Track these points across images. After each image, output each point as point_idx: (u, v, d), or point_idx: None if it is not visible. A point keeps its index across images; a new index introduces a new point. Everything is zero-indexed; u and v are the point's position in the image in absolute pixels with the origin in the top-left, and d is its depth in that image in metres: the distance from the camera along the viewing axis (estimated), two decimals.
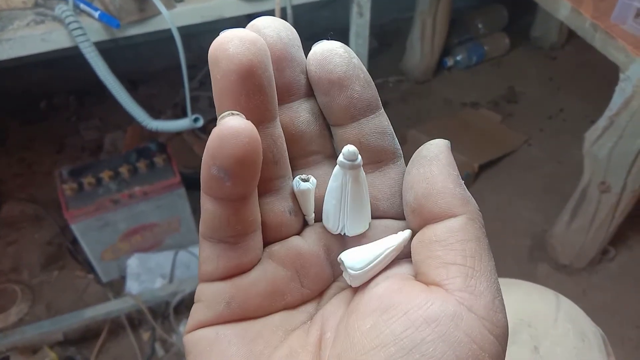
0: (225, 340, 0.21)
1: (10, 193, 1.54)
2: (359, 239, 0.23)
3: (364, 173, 0.22)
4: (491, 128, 1.70)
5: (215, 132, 0.18)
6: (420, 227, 0.21)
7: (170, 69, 1.60)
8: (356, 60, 0.21)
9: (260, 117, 0.20)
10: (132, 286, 1.26)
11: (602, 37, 1.00)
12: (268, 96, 0.20)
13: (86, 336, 1.19)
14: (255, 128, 0.18)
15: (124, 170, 1.21)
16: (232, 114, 0.19)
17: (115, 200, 1.17)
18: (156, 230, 1.29)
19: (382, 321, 0.19)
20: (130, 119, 0.88)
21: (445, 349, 0.17)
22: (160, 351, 1.18)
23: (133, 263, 1.29)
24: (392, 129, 0.23)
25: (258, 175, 0.20)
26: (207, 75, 1.79)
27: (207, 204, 0.20)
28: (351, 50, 0.22)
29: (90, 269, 1.31)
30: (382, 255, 0.22)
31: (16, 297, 1.25)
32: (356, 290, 0.22)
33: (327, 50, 0.21)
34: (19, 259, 1.37)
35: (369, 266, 0.22)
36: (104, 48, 0.76)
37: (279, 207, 0.22)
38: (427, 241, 0.20)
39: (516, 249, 1.40)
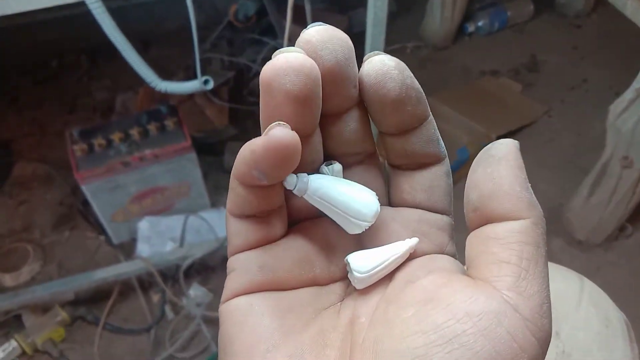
0: (259, 312, 0.21)
1: (22, 153, 1.54)
2: (377, 234, 0.23)
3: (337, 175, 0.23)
4: (511, 98, 1.66)
5: (263, 140, 0.19)
6: (481, 225, 0.21)
7: (184, 30, 1.56)
8: (409, 80, 0.21)
9: (306, 131, 0.21)
10: (143, 249, 1.26)
11: (635, 5, 0.95)
12: (316, 114, 0.20)
13: (97, 297, 1.20)
14: (299, 139, 0.19)
15: (134, 132, 1.19)
16: (280, 124, 0.19)
17: (125, 162, 1.16)
18: (166, 194, 1.28)
19: (424, 311, 0.19)
20: (142, 80, 0.86)
21: (485, 343, 0.17)
22: (170, 314, 1.19)
23: (144, 226, 1.29)
24: (439, 134, 0.23)
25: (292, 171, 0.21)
26: (220, 37, 1.75)
27: (237, 188, 0.21)
28: (404, 66, 0.21)
29: (101, 230, 1.31)
30: (388, 262, 0.22)
31: (28, 256, 1.26)
32: (389, 281, 0.22)
33: (381, 73, 0.21)
34: (31, 218, 1.38)
35: (373, 270, 0.22)
36: (115, 6, 0.73)
37: None
38: (484, 237, 0.20)
39: None
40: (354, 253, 0.23)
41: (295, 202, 0.23)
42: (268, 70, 0.19)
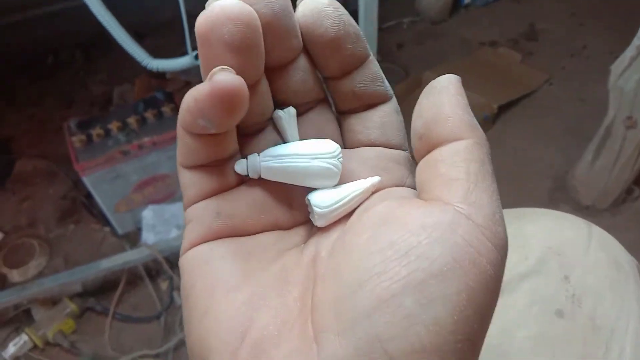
0: (218, 256, 0.21)
1: (23, 150, 1.54)
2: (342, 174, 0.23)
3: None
4: (510, 68, 1.64)
5: (207, 87, 0.18)
6: (428, 152, 0.21)
7: (177, 20, 1.55)
8: (345, 16, 0.21)
9: (250, 79, 0.20)
10: (148, 237, 1.26)
11: None
12: (259, 60, 0.20)
13: (105, 287, 1.20)
14: (245, 84, 0.18)
15: (132, 121, 1.19)
16: (223, 69, 0.18)
17: (124, 151, 1.15)
18: (168, 181, 1.27)
19: (380, 231, 0.19)
20: (138, 71, 0.86)
21: (441, 250, 0.18)
22: (178, 300, 1.19)
23: (148, 215, 1.28)
24: (382, 72, 0.23)
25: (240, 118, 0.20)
26: None
27: (185, 138, 0.21)
28: (339, 4, 0.21)
29: (105, 221, 1.31)
30: (349, 197, 0.22)
31: (34, 251, 1.26)
32: (350, 216, 0.22)
33: (316, 11, 0.21)
34: (35, 214, 1.38)
35: (334, 206, 0.22)
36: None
37: (264, 140, 0.23)
38: (432, 161, 0.20)
39: (536, 191, 1.36)
40: (315, 192, 0.23)
41: (250, 152, 0.23)
42: (203, 21, 0.18)
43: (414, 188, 0.23)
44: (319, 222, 0.22)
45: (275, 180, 0.22)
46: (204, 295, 0.20)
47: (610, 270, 0.39)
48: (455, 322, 0.17)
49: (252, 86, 0.21)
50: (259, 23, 0.19)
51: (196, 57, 0.75)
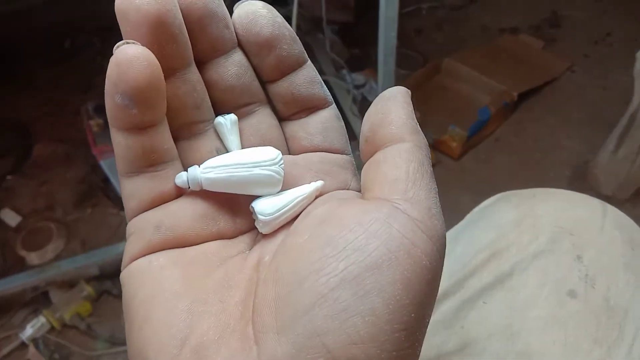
0: (157, 266, 0.21)
1: (41, 134, 1.55)
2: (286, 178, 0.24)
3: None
4: (532, 55, 1.60)
5: (113, 60, 0.19)
6: (372, 154, 0.22)
7: None
8: (280, 19, 0.22)
9: (176, 64, 0.21)
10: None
11: None
12: (181, 43, 0.20)
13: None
14: (151, 53, 0.19)
15: None
16: (127, 42, 0.19)
17: None
18: None
19: (319, 230, 0.20)
20: None
21: (377, 243, 0.18)
22: None
23: None
24: (320, 78, 0.24)
25: (164, 101, 0.20)
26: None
27: (118, 138, 0.21)
28: (273, 8, 0.22)
29: (122, 206, 1.31)
30: (293, 203, 0.22)
31: (52, 234, 1.27)
32: (294, 220, 0.23)
33: (251, 12, 0.22)
34: (53, 197, 1.39)
35: (278, 212, 0.22)
36: None
37: (205, 147, 0.23)
38: (375, 162, 0.21)
39: (555, 180, 1.34)
40: (259, 199, 0.23)
41: (192, 159, 0.23)
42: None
43: (358, 191, 0.24)
44: (263, 230, 0.22)
45: (217, 190, 0.22)
46: (143, 305, 0.20)
47: (625, 249, 0.38)
48: (392, 311, 0.17)
49: (179, 74, 0.21)
50: (175, 2, 0.20)
51: None
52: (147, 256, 0.21)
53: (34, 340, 1.12)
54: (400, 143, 0.21)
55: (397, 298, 0.18)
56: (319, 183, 0.23)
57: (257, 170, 0.22)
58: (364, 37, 1.67)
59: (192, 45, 0.21)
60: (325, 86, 0.24)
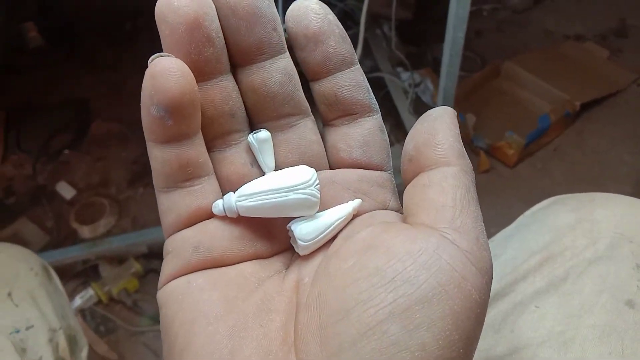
0: (197, 288, 0.21)
1: (99, 112, 1.59)
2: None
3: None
4: (596, 64, 1.54)
5: (148, 72, 0.19)
6: (415, 175, 0.21)
7: None
8: (331, 16, 0.22)
9: (212, 69, 0.21)
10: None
11: None
12: (217, 48, 0.21)
13: None
14: (186, 65, 0.19)
15: None
16: (161, 55, 0.19)
17: None
18: None
19: (364, 258, 0.19)
20: None
21: (427, 276, 0.18)
22: None
23: None
24: (368, 84, 0.23)
25: (199, 112, 0.20)
26: None
27: (154, 152, 0.21)
28: (327, 7, 0.22)
29: None
30: (332, 227, 0.22)
31: (104, 210, 1.31)
32: (332, 240, 0.22)
33: (303, 6, 0.22)
34: (107, 174, 1.42)
35: (318, 237, 0.22)
36: None
37: (239, 160, 0.23)
38: (420, 185, 0.21)
39: None
40: (297, 222, 0.22)
41: (231, 173, 0.23)
42: (158, 2, 0.20)
43: (397, 211, 0.24)
44: (302, 252, 0.22)
45: (254, 216, 0.22)
46: (183, 329, 0.20)
47: None
48: (441, 347, 0.17)
49: (215, 80, 0.21)
50: (212, 6, 0.20)
51: None
52: (185, 276, 0.21)
53: (82, 311, 1.16)
54: (447, 167, 0.20)
55: (447, 333, 0.17)
56: (357, 202, 0.23)
57: (292, 195, 0.21)
58: (422, 35, 1.64)
59: (237, 46, 0.21)
60: (372, 94, 0.24)
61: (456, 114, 0.22)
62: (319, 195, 0.22)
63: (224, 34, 0.21)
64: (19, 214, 1.34)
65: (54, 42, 1.75)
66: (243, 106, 0.23)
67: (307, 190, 0.22)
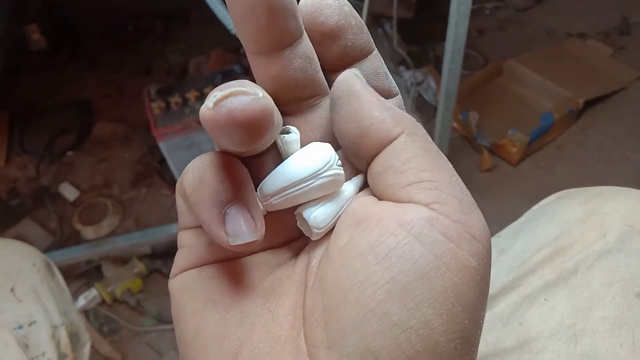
0: (208, 276, 0.21)
1: (102, 113, 1.59)
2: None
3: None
4: (599, 62, 1.54)
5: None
6: (368, 165, 0.20)
7: None
8: (347, 7, 0.21)
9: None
10: None
11: None
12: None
13: (172, 250, 1.23)
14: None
15: (209, 91, 1.19)
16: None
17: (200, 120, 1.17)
18: None
19: (357, 234, 0.18)
20: (214, 44, 0.86)
21: (422, 249, 0.17)
22: None
23: None
24: (386, 69, 0.23)
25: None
26: None
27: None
28: None
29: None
30: (343, 208, 0.21)
31: (107, 210, 1.31)
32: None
33: (317, 1, 0.20)
34: (110, 175, 1.43)
35: (332, 222, 0.21)
36: None
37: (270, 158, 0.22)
38: (376, 174, 0.19)
39: None
40: (307, 207, 0.21)
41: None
42: None
43: None
44: (315, 238, 0.22)
45: (279, 209, 0.21)
46: (194, 317, 0.20)
47: None
48: (445, 321, 0.17)
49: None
50: None
51: None
52: (197, 268, 0.21)
53: (85, 311, 1.16)
54: (392, 143, 0.19)
55: (449, 307, 0.17)
56: (360, 177, 0.22)
57: (317, 182, 0.20)
58: (423, 33, 1.64)
59: (258, 39, 0.19)
60: (390, 76, 0.23)
61: (358, 73, 0.20)
62: (343, 172, 0.21)
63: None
64: (23, 215, 1.34)
65: (57, 44, 1.75)
66: (320, 68, 0.22)
67: (330, 172, 0.20)
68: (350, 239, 0.19)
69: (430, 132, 1.16)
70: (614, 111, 1.44)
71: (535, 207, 0.48)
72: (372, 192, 0.21)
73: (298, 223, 0.22)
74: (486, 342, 0.38)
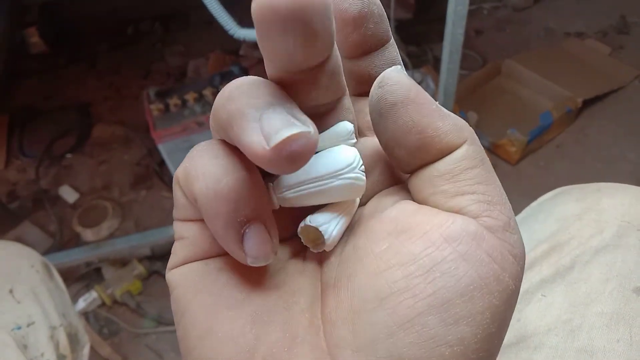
0: (215, 269, 0.20)
1: (101, 115, 1.59)
2: None
3: None
4: (598, 61, 1.54)
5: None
6: (418, 169, 0.19)
7: None
8: None
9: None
10: None
11: None
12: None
13: None
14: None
15: (208, 93, 1.20)
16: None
17: (200, 122, 1.17)
18: None
19: (399, 242, 0.18)
20: (213, 46, 0.85)
21: (467, 268, 0.17)
22: None
23: None
24: (400, 58, 0.22)
25: None
26: None
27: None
28: None
29: None
30: (350, 214, 0.21)
31: (107, 213, 1.31)
32: (356, 216, 0.22)
33: None
34: (110, 177, 1.43)
35: (342, 228, 0.21)
36: None
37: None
38: (428, 177, 0.19)
39: None
40: (315, 217, 0.21)
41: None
42: None
43: None
44: (329, 248, 0.21)
45: (294, 206, 0.20)
46: (203, 313, 0.19)
47: None
48: (479, 340, 0.17)
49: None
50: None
51: None
52: (202, 260, 0.20)
53: (85, 313, 1.16)
54: (453, 152, 0.18)
55: (485, 327, 0.17)
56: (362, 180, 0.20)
57: (336, 182, 0.19)
58: (422, 34, 1.65)
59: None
60: (404, 67, 0.21)
61: (406, 73, 0.19)
62: (364, 178, 0.20)
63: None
64: (23, 218, 1.34)
65: (56, 47, 1.76)
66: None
67: (352, 175, 0.19)
68: (391, 246, 0.18)
69: None
70: (613, 110, 1.44)
71: (533, 204, 0.48)
72: (412, 197, 0.20)
73: (299, 232, 0.21)
74: None
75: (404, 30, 1.64)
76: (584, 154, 1.35)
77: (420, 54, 1.60)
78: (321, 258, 0.21)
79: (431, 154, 0.18)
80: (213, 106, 0.18)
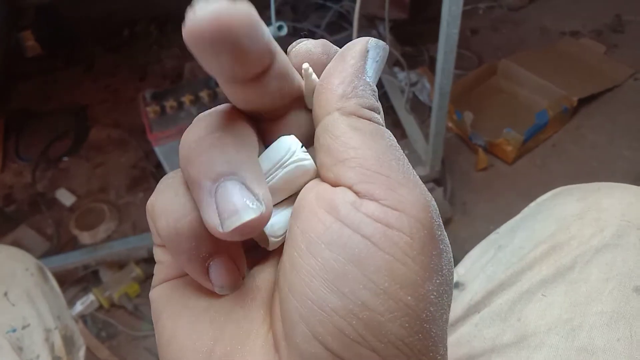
0: (183, 285, 0.21)
1: (97, 118, 1.59)
2: None
3: None
4: (593, 60, 1.54)
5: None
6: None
7: None
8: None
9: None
10: None
11: None
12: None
13: None
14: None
15: (204, 94, 1.20)
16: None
17: None
18: None
19: (293, 222, 0.19)
20: None
21: (350, 232, 0.17)
22: None
23: None
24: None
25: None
26: (284, 3, 1.74)
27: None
28: (328, 43, 0.22)
29: None
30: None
31: (104, 215, 1.31)
32: None
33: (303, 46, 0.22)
34: (107, 180, 1.43)
35: (284, 221, 0.21)
36: None
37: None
38: (316, 141, 0.20)
39: None
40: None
41: None
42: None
43: None
44: (272, 248, 0.21)
45: None
46: (170, 320, 0.20)
47: None
48: (384, 301, 0.16)
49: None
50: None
51: (279, 28, 0.74)
52: (182, 278, 0.21)
53: (83, 316, 1.15)
54: (323, 118, 0.19)
55: (386, 285, 0.16)
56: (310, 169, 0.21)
57: (283, 171, 0.20)
58: (417, 35, 1.65)
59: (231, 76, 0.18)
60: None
61: (365, 42, 0.20)
62: (309, 157, 0.20)
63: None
64: (19, 221, 1.34)
65: (52, 50, 1.75)
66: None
67: (294, 158, 0.20)
68: (290, 229, 0.19)
69: (426, 133, 1.16)
70: (608, 109, 1.45)
71: (532, 204, 0.48)
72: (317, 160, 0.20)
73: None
74: (485, 338, 0.38)
75: (399, 30, 1.64)
76: (580, 152, 1.35)
77: (416, 54, 1.60)
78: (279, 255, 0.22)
79: (319, 106, 0.20)
80: (179, 150, 0.20)
